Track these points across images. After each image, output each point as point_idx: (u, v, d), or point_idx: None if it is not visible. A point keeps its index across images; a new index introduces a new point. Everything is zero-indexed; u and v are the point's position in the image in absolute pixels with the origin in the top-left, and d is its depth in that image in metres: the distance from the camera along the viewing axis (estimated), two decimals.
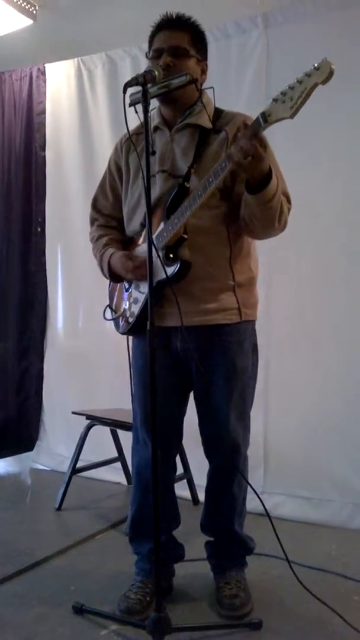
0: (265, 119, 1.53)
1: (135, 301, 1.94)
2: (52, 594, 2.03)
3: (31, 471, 3.61)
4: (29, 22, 3.31)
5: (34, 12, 3.30)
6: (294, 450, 2.86)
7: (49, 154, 3.75)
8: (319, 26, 2.76)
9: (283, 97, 1.49)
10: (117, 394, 3.19)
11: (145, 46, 1.92)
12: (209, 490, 2.04)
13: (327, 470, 2.77)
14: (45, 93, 3.74)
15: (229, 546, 2.02)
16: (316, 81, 1.43)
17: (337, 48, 2.55)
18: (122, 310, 2.01)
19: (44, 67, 3.74)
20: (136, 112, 1.66)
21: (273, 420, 2.89)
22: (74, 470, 2.92)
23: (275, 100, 1.51)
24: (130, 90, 1.64)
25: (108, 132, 3.44)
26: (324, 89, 1.46)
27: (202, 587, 2.04)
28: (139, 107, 1.64)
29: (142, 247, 1.93)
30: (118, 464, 3.21)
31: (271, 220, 1.75)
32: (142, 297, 1.92)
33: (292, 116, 1.49)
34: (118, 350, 3.27)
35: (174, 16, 1.86)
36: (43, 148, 3.77)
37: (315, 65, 1.43)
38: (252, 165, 1.59)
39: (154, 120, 1.94)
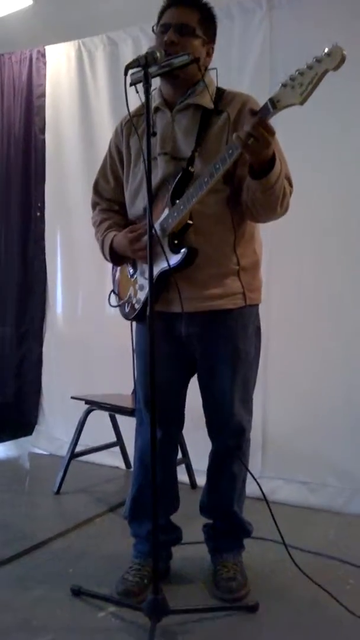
0: (275, 104, 1.50)
1: (141, 288, 1.94)
2: (50, 576, 2.05)
3: (30, 455, 3.62)
4: (28, 2, 3.26)
5: None
6: (292, 434, 2.87)
7: (48, 137, 3.72)
8: (323, 7, 2.72)
9: (292, 82, 1.46)
10: (116, 379, 3.20)
11: (147, 27, 1.90)
12: (210, 471, 2.05)
13: (325, 455, 2.78)
14: (45, 75, 3.71)
15: (227, 528, 2.03)
16: (327, 67, 1.40)
17: (341, 29, 2.53)
18: (127, 296, 2.01)
19: (44, 49, 3.70)
20: (137, 91, 1.64)
21: (272, 404, 2.90)
22: (73, 455, 2.93)
23: (284, 85, 1.48)
24: (130, 71, 1.62)
25: (109, 114, 3.41)
26: (334, 74, 1.44)
27: (199, 570, 2.06)
28: (140, 86, 1.62)
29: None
30: (117, 449, 3.22)
31: (274, 205, 1.74)
32: (147, 284, 1.90)
33: (302, 102, 1.46)
34: (117, 335, 3.28)
35: None
36: (43, 131, 3.74)
37: (326, 50, 1.40)
38: (258, 150, 1.57)
39: (155, 100, 1.91)
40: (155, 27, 1.85)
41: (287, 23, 2.84)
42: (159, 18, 1.85)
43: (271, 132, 1.57)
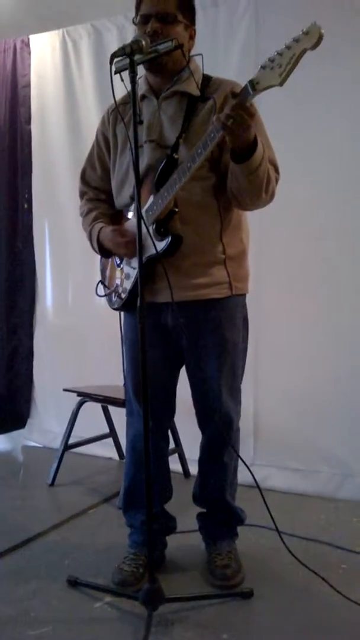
0: (254, 86, 1.50)
1: (127, 277, 1.93)
2: (46, 568, 2.05)
3: (23, 448, 3.62)
4: None
5: None
6: (283, 422, 2.89)
7: (34, 127, 3.69)
8: None
9: (272, 64, 1.45)
10: (108, 370, 3.20)
11: (133, 15, 1.87)
12: (201, 461, 2.06)
13: (315, 441, 2.81)
14: (29, 65, 3.66)
15: (221, 517, 2.05)
16: (305, 46, 1.39)
17: (327, 13, 2.51)
18: (114, 286, 2.00)
19: (28, 38, 3.65)
20: (122, 79, 1.63)
21: (263, 392, 2.91)
22: (66, 447, 2.93)
23: (263, 67, 1.47)
24: (116, 59, 1.61)
25: (94, 104, 3.39)
26: (320, 56, 1.43)
27: (194, 558, 2.07)
28: (125, 75, 1.61)
29: (132, 222, 1.91)
30: (110, 440, 3.23)
31: (258, 190, 1.73)
32: (133, 273, 1.90)
33: (281, 84, 1.45)
34: (108, 326, 3.27)
35: None
36: (28, 122, 3.70)
37: (304, 30, 1.39)
38: (238, 133, 1.56)
39: (141, 88, 1.90)
40: (135, 19, 1.83)
41: (272, 7, 2.82)
42: (137, 9, 1.83)
43: (250, 113, 1.55)
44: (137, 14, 1.83)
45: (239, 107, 1.53)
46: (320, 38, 1.37)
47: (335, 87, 2.72)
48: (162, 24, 1.76)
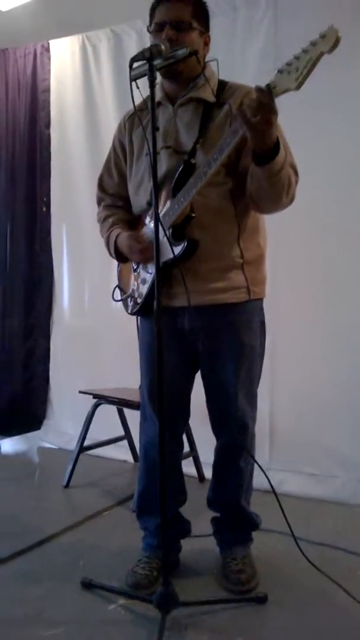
0: (271, 90, 1.49)
1: (144, 281, 1.94)
2: (60, 569, 2.06)
3: (39, 449, 3.64)
4: None
5: None
6: (299, 427, 2.87)
7: (53, 132, 3.73)
8: None
9: (288, 67, 1.44)
10: (124, 373, 3.21)
11: None
12: (216, 466, 2.05)
13: (331, 446, 2.79)
14: (49, 70, 3.71)
15: (235, 521, 2.04)
16: (322, 50, 1.38)
17: (347, 18, 2.51)
18: (130, 290, 2.01)
19: (48, 43, 3.70)
20: (137, 87, 1.63)
21: (279, 397, 2.90)
22: (82, 449, 2.94)
23: (280, 71, 1.47)
24: (134, 64, 1.61)
25: (113, 108, 3.41)
26: (336, 60, 1.43)
27: (208, 563, 2.07)
28: (140, 82, 1.62)
29: (148, 227, 1.91)
30: (125, 442, 3.23)
31: (279, 194, 1.72)
32: (149, 277, 1.91)
33: (297, 87, 1.44)
34: (124, 329, 3.27)
35: None
36: (48, 126, 3.74)
37: (321, 33, 1.38)
38: (259, 128, 1.55)
39: (157, 95, 1.89)
40: (149, 27, 1.84)
41: (292, 12, 2.82)
42: (151, 17, 1.84)
43: (273, 110, 1.52)
44: (151, 22, 1.84)
45: (259, 106, 1.50)
46: (337, 41, 1.36)
47: (347, 90, 2.70)
48: (176, 31, 1.77)
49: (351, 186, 2.74)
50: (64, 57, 3.65)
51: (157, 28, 1.80)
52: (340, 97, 2.71)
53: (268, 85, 1.50)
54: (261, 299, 1.97)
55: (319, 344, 2.83)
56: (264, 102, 1.50)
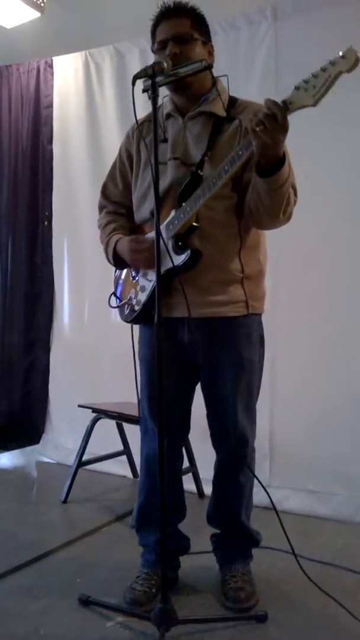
0: (287, 106, 1.51)
1: (142, 289, 1.94)
2: (58, 585, 2.04)
3: (37, 464, 3.62)
4: (36, 14, 3.32)
5: (42, 4, 3.30)
6: (299, 443, 2.86)
7: (56, 147, 3.76)
8: (328, 18, 2.74)
9: (306, 85, 1.47)
10: (123, 388, 3.18)
11: None
12: (216, 480, 2.04)
13: (332, 464, 2.77)
14: (52, 86, 3.74)
15: (235, 538, 2.02)
16: (341, 69, 1.41)
17: (347, 40, 2.53)
18: (128, 297, 2.01)
19: (52, 60, 3.73)
20: (149, 98, 1.64)
21: (279, 413, 2.89)
22: (80, 463, 2.92)
23: (297, 88, 1.49)
24: (140, 85, 1.63)
25: (115, 125, 3.44)
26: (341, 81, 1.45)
27: (207, 580, 2.05)
28: (146, 96, 1.63)
29: (151, 234, 1.92)
30: (124, 457, 3.22)
31: (277, 209, 1.72)
32: (149, 285, 1.90)
33: (314, 104, 1.47)
34: (124, 343, 3.24)
35: (172, 5, 1.85)
36: (50, 141, 3.77)
37: (341, 53, 1.41)
38: (265, 142, 1.56)
39: (167, 107, 1.93)
40: (153, 47, 1.87)
41: (292, 34, 2.86)
42: (153, 35, 1.87)
43: (280, 124, 1.53)
44: (154, 42, 1.87)
45: (272, 116, 1.52)
46: (357, 61, 1.40)
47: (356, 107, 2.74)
48: (179, 45, 1.79)
49: (353, 202, 2.76)
50: (67, 73, 3.69)
51: (160, 46, 1.83)
52: (345, 115, 2.74)
53: (284, 101, 1.52)
54: (260, 314, 1.97)
55: (320, 360, 2.83)
56: (275, 113, 1.51)
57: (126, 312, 2.01)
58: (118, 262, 2.01)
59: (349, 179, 2.76)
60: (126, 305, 2.01)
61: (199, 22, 1.86)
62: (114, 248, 1.98)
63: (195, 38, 1.83)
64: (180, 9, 1.85)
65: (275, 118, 1.52)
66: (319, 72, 1.45)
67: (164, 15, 1.85)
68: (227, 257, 1.85)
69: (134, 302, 1.97)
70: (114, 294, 2.10)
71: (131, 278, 2.02)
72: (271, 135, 1.54)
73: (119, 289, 2.10)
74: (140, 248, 1.88)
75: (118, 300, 2.07)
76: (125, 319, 2.02)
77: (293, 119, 1.57)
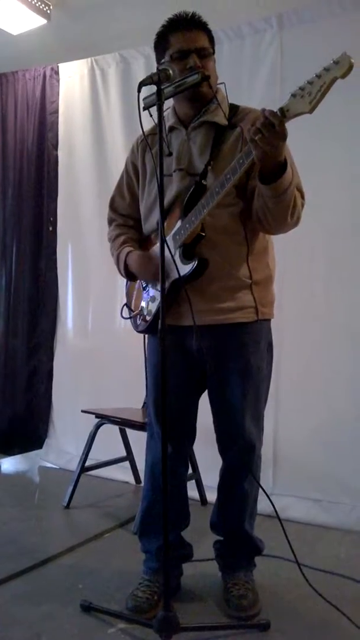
0: (284, 113, 1.52)
1: (153, 299, 1.95)
2: (60, 591, 2.03)
3: (40, 469, 3.62)
4: (43, 21, 3.33)
5: (48, 11, 3.31)
6: (303, 451, 2.85)
7: (61, 153, 3.77)
8: (333, 27, 2.76)
9: (302, 92, 1.48)
10: (127, 393, 3.20)
11: None
12: (221, 487, 2.03)
13: (336, 472, 2.76)
14: (58, 92, 3.77)
15: (238, 546, 2.01)
16: (335, 75, 1.42)
17: (351, 49, 2.54)
18: (139, 308, 2.02)
19: (58, 66, 3.76)
20: (150, 115, 1.66)
21: (283, 421, 2.88)
22: (83, 469, 2.92)
23: (293, 95, 1.50)
24: (143, 94, 1.63)
25: (121, 132, 3.45)
26: (342, 87, 1.45)
27: (210, 587, 2.04)
28: (153, 109, 1.64)
29: (158, 247, 1.92)
30: (127, 463, 3.21)
31: (284, 214, 1.73)
32: (159, 295, 1.91)
33: (310, 111, 1.48)
34: (128, 349, 3.27)
35: (189, 16, 1.84)
36: (55, 147, 3.79)
37: (335, 59, 1.42)
38: (265, 150, 1.56)
39: (169, 120, 1.94)
40: (163, 54, 1.85)
41: (297, 42, 2.88)
42: (165, 43, 1.84)
43: (278, 133, 1.54)
44: (164, 49, 1.85)
45: (269, 124, 1.53)
46: (350, 67, 1.40)
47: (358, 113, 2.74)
48: (200, 59, 1.80)
49: (354, 205, 2.76)
50: (73, 80, 3.71)
51: (179, 55, 1.81)
52: (351, 121, 2.75)
53: (281, 109, 1.53)
54: (269, 320, 1.97)
55: (324, 368, 2.82)
56: (273, 122, 1.52)
57: (138, 322, 2.02)
58: (129, 274, 2.02)
59: (352, 182, 2.76)
60: (138, 316, 2.02)
61: (211, 36, 1.88)
62: (125, 261, 1.99)
63: (211, 53, 1.85)
64: (199, 22, 1.85)
65: (272, 126, 1.53)
66: (314, 79, 1.46)
67: (182, 24, 1.83)
68: (235, 264, 1.85)
69: (145, 312, 1.98)
70: (127, 305, 2.11)
71: (142, 288, 2.03)
72: (270, 144, 1.55)
73: (132, 300, 2.11)
74: (149, 264, 1.89)
75: (130, 311, 2.08)
76: (138, 329, 2.04)
77: (295, 126, 1.57)
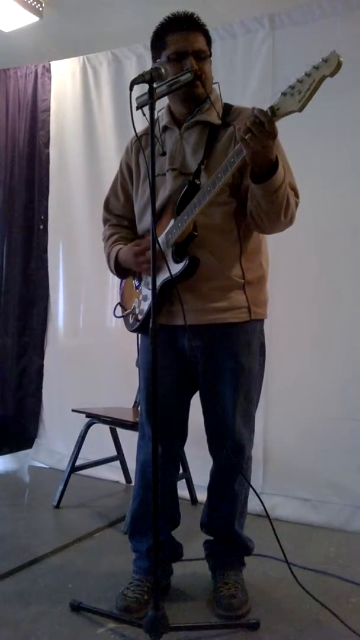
0: (274, 112, 1.52)
1: (145, 298, 1.95)
2: (49, 591, 2.03)
3: (30, 469, 3.60)
4: (35, 19, 3.31)
5: (41, 9, 3.30)
6: (293, 451, 2.86)
7: (52, 151, 3.76)
8: (325, 29, 2.76)
9: (292, 90, 1.48)
10: (117, 392, 3.20)
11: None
12: (211, 487, 2.03)
13: (326, 471, 2.77)
14: (50, 90, 3.75)
15: (228, 546, 2.02)
16: (324, 73, 1.42)
17: (342, 51, 2.55)
18: (132, 307, 2.02)
19: (49, 64, 3.74)
20: (144, 114, 1.65)
21: (273, 421, 2.88)
22: (73, 468, 2.91)
23: (284, 94, 1.50)
24: (136, 92, 1.62)
25: (112, 130, 3.44)
26: (333, 90, 1.46)
27: (200, 587, 2.04)
28: (146, 108, 1.64)
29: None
30: (117, 463, 3.21)
31: (277, 213, 1.72)
32: (150, 294, 1.90)
33: (300, 109, 1.47)
34: (118, 348, 3.27)
35: (187, 16, 1.84)
36: (47, 145, 3.77)
37: (324, 57, 1.42)
38: (256, 149, 1.57)
39: (163, 120, 1.94)
40: (160, 53, 1.84)
41: (289, 43, 2.88)
42: (161, 43, 1.84)
43: (268, 131, 1.54)
44: (160, 49, 1.84)
45: (258, 123, 1.53)
46: (339, 65, 1.40)
47: (351, 117, 2.75)
48: (197, 61, 1.80)
49: (354, 209, 2.76)
50: (65, 78, 3.70)
51: (176, 57, 1.80)
52: (341, 124, 2.76)
53: (272, 107, 1.53)
54: (262, 320, 1.97)
55: (313, 368, 2.83)
56: (262, 121, 1.52)
57: (130, 321, 2.02)
58: (120, 271, 2.02)
59: (348, 184, 2.77)
60: (130, 315, 2.01)
61: (208, 38, 1.88)
62: (116, 257, 1.99)
63: (209, 55, 1.85)
64: (197, 24, 1.85)
65: (262, 125, 1.53)
66: (304, 77, 1.46)
67: (180, 25, 1.82)
68: (228, 264, 1.85)
69: (137, 311, 1.98)
70: (120, 304, 2.10)
71: (134, 288, 2.03)
72: (260, 142, 1.55)
73: (123, 298, 2.10)
74: (142, 248, 1.87)
75: (123, 310, 2.08)
76: (130, 328, 2.03)
77: (286, 126, 1.58)
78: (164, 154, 1.89)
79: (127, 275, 2.04)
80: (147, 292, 1.94)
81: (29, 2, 3.23)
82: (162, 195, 1.87)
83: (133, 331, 2.03)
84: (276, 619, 1.85)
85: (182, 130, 1.90)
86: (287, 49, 2.88)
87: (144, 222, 1.98)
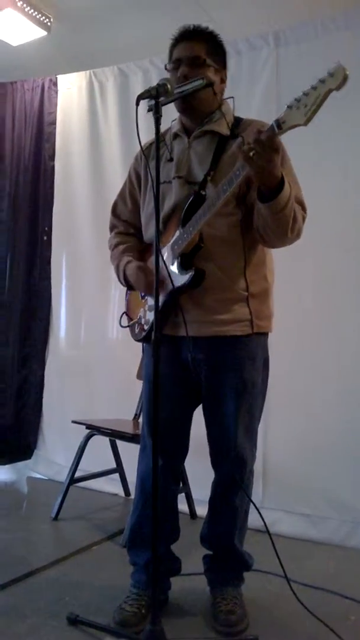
0: (280, 125, 1.53)
1: (151, 308, 1.95)
2: (46, 604, 2.01)
3: (28, 480, 3.59)
4: (43, 33, 3.36)
5: (49, 23, 3.34)
6: (293, 466, 2.84)
7: (57, 164, 3.79)
8: (328, 45, 2.79)
9: (297, 103, 1.48)
10: (117, 404, 3.19)
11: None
12: (212, 501, 2.02)
13: (326, 487, 2.75)
14: (56, 104, 3.79)
15: (227, 561, 2.00)
16: (330, 87, 1.42)
17: (349, 60, 2.58)
18: (137, 317, 2.02)
19: (56, 78, 3.79)
20: (154, 112, 1.67)
21: (272, 435, 2.87)
22: (72, 480, 2.90)
23: (289, 107, 1.50)
24: (142, 108, 1.64)
25: (117, 145, 3.47)
26: (335, 104, 1.47)
27: (198, 602, 2.02)
28: (150, 115, 1.66)
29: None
30: (116, 475, 3.19)
31: (284, 230, 1.73)
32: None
33: (306, 123, 1.47)
34: (119, 360, 3.28)
35: (192, 27, 1.89)
36: (52, 158, 3.80)
37: (329, 71, 1.42)
38: (261, 166, 1.58)
39: (174, 127, 1.97)
40: (168, 64, 1.90)
41: (293, 60, 2.91)
42: (170, 54, 1.90)
43: (272, 148, 1.56)
44: (170, 59, 1.90)
45: (265, 142, 1.54)
46: (345, 79, 1.40)
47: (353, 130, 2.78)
48: (190, 67, 1.83)
49: (354, 217, 2.78)
50: (71, 91, 3.74)
51: (174, 65, 1.87)
52: (341, 137, 2.78)
53: (277, 121, 1.54)
54: (266, 334, 1.97)
55: (314, 383, 2.82)
56: (263, 140, 1.54)
57: (136, 331, 2.02)
58: (129, 283, 2.03)
59: (349, 194, 2.79)
60: (136, 325, 2.02)
61: (214, 48, 1.90)
62: (124, 271, 2.00)
63: (208, 64, 1.86)
64: (199, 33, 1.88)
65: (264, 144, 1.54)
66: (310, 90, 1.46)
67: (183, 36, 1.88)
68: (232, 276, 1.85)
69: (143, 321, 1.98)
70: (125, 313, 2.11)
71: (140, 297, 2.04)
72: (264, 158, 1.56)
73: (129, 308, 2.11)
74: (145, 282, 1.90)
75: (129, 320, 2.08)
76: (136, 338, 2.04)
77: (288, 140, 1.59)
78: (171, 159, 1.90)
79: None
80: (152, 302, 1.95)
81: (37, 16, 3.28)
82: (167, 204, 1.88)
83: (138, 341, 2.04)
84: (274, 635, 1.83)
85: (191, 139, 1.92)
86: (291, 65, 2.92)
87: (151, 231, 1.98)
